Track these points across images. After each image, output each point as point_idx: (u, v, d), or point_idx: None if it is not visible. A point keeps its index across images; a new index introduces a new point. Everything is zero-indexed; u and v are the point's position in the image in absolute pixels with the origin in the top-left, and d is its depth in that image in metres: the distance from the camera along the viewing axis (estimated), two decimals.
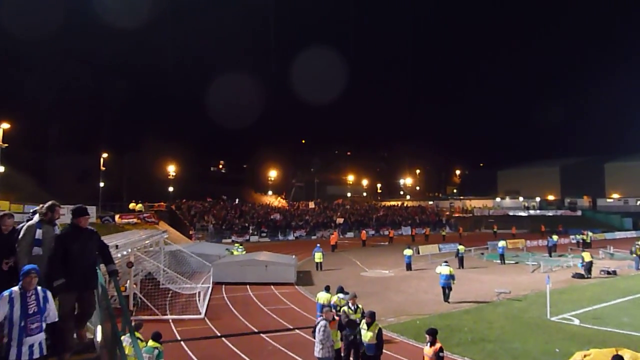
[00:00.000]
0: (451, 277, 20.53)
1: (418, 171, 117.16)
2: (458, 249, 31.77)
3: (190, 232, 49.40)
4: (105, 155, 54.13)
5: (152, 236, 23.47)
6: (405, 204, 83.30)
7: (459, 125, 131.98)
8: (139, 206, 49.32)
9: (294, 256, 28.99)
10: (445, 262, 21.69)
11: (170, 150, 69.49)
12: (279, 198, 73.51)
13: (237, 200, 65.43)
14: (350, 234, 60.17)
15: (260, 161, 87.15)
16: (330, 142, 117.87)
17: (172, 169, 63.24)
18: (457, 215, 76.81)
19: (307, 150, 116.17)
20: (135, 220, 43.82)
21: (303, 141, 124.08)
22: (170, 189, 62.82)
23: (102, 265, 7.22)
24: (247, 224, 55.57)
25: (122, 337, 7.05)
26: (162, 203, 56.21)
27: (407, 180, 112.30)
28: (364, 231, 51.71)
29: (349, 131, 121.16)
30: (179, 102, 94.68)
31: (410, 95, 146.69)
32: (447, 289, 20.46)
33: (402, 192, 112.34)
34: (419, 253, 36.42)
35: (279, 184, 76.88)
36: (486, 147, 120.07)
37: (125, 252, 18.25)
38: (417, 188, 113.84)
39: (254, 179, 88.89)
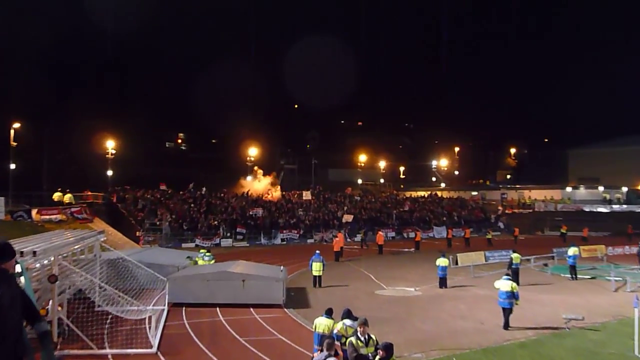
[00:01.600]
0: (513, 295, 20.80)
1: (457, 149, 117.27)
2: (512, 259, 31.88)
3: (138, 234, 49.46)
4: (17, 125, 53.98)
5: (83, 239, 23.44)
6: (438, 195, 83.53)
7: (515, 86, 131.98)
8: (67, 197, 49.30)
9: (282, 267, 29.08)
10: (507, 275, 21.84)
11: (109, 119, 69.42)
12: (268, 182, 73.57)
13: (203, 189, 65.53)
14: (360, 237, 60.35)
15: (235, 134, 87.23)
16: (333, 108, 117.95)
17: (111, 145, 63.25)
18: (510, 211, 77.11)
19: (301, 119, 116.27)
20: (59, 216, 43.81)
21: (296, 106, 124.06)
22: (109, 172, 62.83)
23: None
24: (217, 223, 55.68)
25: None
26: (98, 193, 56.28)
27: (441, 162, 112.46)
28: (380, 233, 51.84)
29: (359, 93, 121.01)
30: (121, 55, 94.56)
31: (446, 40, 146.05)
32: (507, 311, 20.69)
33: (434, 179, 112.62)
34: (457, 264, 36.49)
35: (261, 166, 76.85)
36: (553, 117, 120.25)
37: (45, 262, 18.25)
38: (456, 173, 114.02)
39: (227, 158, 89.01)
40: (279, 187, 74.30)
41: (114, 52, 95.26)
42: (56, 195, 49.46)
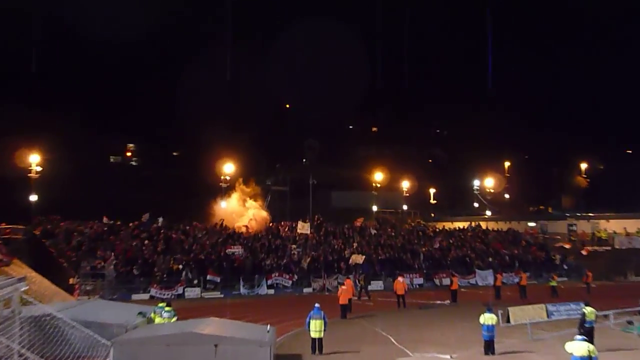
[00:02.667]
0: None
1: (508, 164, 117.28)
2: (584, 314, 31.74)
3: (72, 281, 49.32)
4: None
5: None
6: (483, 227, 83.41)
7: (587, 79, 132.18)
8: None
9: (269, 327, 28.97)
10: (582, 336, 21.58)
11: (33, 126, 69.37)
12: (252, 207, 73.61)
13: (160, 219, 65.47)
14: (376, 284, 60.12)
15: (204, 145, 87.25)
16: (339, 109, 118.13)
17: (35, 161, 63.19)
18: (587, 251, 76.94)
19: (295, 125, 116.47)
20: None
21: (288, 106, 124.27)
22: (33, 197, 62.67)
23: None
24: (180, 266, 55.57)
25: None
26: (17, 225, 56.16)
27: (486, 182, 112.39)
28: (399, 278, 51.53)
29: (374, 88, 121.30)
30: (49, 43, 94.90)
31: (491, 17, 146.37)
32: None
33: (476, 205, 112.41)
34: (508, 321, 36.34)
35: (240, 189, 76.84)
36: (638, 122, 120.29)
37: None
38: (506, 197, 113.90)
39: (193, 178, 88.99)
40: (265, 214, 74.32)
41: (40, 39, 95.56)
42: None
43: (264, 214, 75.85)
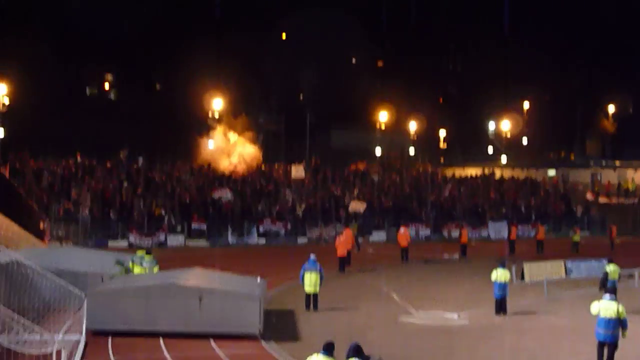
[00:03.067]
0: (621, 323, 20.28)
1: (527, 105, 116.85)
2: (606, 272, 31.86)
3: (42, 226, 49.45)
4: None
5: None
6: (497, 175, 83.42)
7: (617, 10, 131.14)
8: None
9: (259, 279, 29.10)
10: (610, 293, 20.93)
11: None
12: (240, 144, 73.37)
13: (140, 158, 65.41)
14: (379, 235, 60.40)
15: (189, 76, 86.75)
16: (339, 38, 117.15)
17: (1, 92, 62.87)
18: (605, 200, 77.18)
19: (290, 56, 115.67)
20: None
21: (284, 36, 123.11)
22: (0, 132, 62.61)
23: None
24: (162, 211, 55.70)
25: None
26: None
27: (502, 125, 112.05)
28: (402, 230, 51.54)
29: (379, 15, 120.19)
30: None
31: None
32: (610, 348, 20.34)
33: (491, 149, 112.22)
34: (522, 278, 36.54)
35: (229, 125, 76.40)
36: None
37: None
38: (524, 140, 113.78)
39: (177, 112, 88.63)
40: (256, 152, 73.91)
41: None
42: None
43: (253, 151, 75.34)
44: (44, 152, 61.73)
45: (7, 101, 61.89)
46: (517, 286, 34.14)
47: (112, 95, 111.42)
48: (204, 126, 75.01)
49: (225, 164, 69.23)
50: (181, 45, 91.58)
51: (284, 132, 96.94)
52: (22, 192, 53.48)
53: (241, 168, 69.65)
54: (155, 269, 30.60)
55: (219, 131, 73.92)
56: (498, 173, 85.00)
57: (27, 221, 48.68)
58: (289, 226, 58.70)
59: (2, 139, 61.84)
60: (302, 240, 58.02)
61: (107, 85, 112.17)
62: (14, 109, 63.35)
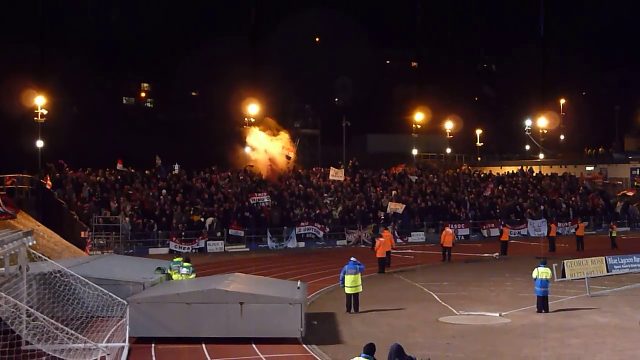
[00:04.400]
0: None
1: (563, 102, 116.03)
2: None
3: (84, 235, 49.74)
4: None
5: (2, 244, 23.66)
6: (535, 172, 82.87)
7: None
8: None
9: (299, 283, 29.07)
10: None
11: (38, 64, 69.62)
12: (285, 148, 73.19)
13: (176, 166, 65.62)
14: (418, 235, 60.22)
15: (225, 84, 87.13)
16: (374, 41, 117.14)
17: (41, 103, 63.29)
18: (633, 193, 76.62)
19: (325, 60, 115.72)
20: None
21: (317, 39, 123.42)
22: (39, 144, 63.06)
23: None
24: (201, 217, 55.86)
25: None
26: (23, 175, 56.41)
27: (539, 122, 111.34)
28: (448, 229, 51.55)
29: (414, 16, 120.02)
30: None
31: None
32: None
33: (528, 147, 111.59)
34: (564, 276, 36.27)
35: (266, 130, 76.43)
36: None
37: None
38: (562, 138, 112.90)
39: (214, 120, 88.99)
40: (292, 152, 73.75)
41: None
42: None
43: (291, 156, 75.09)
44: (83, 162, 62.03)
45: (45, 112, 62.48)
46: (558, 284, 33.92)
47: (148, 104, 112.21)
48: (241, 132, 75.09)
49: (262, 169, 69.26)
50: (217, 53, 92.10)
51: (320, 136, 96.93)
52: (63, 202, 53.90)
53: (278, 173, 69.67)
54: (193, 276, 30.69)
55: (256, 137, 73.99)
56: (536, 170, 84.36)
57: (68, 231, 49.13)
58: (327, 229, 58.65)
59: (41, 149, 62.40)
60: (341, 242, 57.97)
61: (143, 95, 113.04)
62: (52, 120, 63.98)
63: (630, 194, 76.93)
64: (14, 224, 43.36)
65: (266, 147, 71.82)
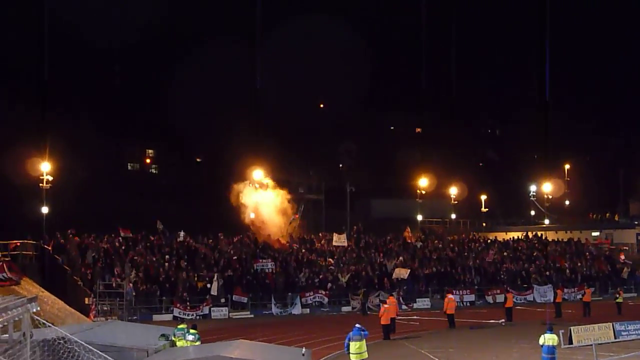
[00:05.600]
0: None
1: (568, 168, 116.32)
2: None
3: (88, 301, 49.67)
4: None
5: (6, 310, 23.66)
6: (540, 236, 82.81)
7: None
8: None
9: (304, 350, 28.98)
10: None
11: (43, 130, 69.94)
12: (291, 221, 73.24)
13: (181, 232, 65.61)
14: (423, 302, 60.06)
15: (230, 149, 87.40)
16: (378, 107, 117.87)
17: (46, 170, 63.50)
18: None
19: (329, 126, 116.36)
20: None
21: (322, 105, 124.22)
22: (44, 209, 63.18)
23: None
24: (206, 282, 55.78)
25: None
26: (27, 240, 56.52)
27: (544, 187, 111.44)
28: (450, 296, 51.48)
29: (416, 81, 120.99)
30: (59, 39, 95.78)
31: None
32: None
33: (533, 212, 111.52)
34: (571, 342, 36.12)
35: (269, 195, 76.51)
36: None
37: None
38: (567, 203, 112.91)
39: (218, 185, 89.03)
40: (296, 217, 73.84)
41: (49, 41, 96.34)
42: None
43: (294, 221, 75.15)
44: (87, 228, 62.07)
45: (50, 178, 62.67)
46: (565, 350, 33.76)
47: (153, 170, 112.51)
48: (245, 197, 75.14)
49: (266, 235, 69.27)
50: (221, 119, 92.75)
51: (324, 202, 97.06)
52: (67, 269, 53.95)
53: (282, 239, 69.69)
54: (197, 343, 30.63)
55: (259, 202, 74.09)
56: (542, 235, 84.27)
57: (72, 297, 49.17)
58: (331, 293, 58.56)
59: (46, 215, 62.49)
60: (346, 309, 57.82)
61: (148, 161, 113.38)
62: (57, 186, 64.12)
63: (637, 258, 76.73)
64: (18, 289, 43.40)
65: (275, 216, 72.05)
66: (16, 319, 23.64)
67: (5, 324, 22.85)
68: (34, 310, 25.22)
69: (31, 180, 63.90)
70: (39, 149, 65.34)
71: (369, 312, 55.22)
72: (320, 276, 60.40)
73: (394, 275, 61.80)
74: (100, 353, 24.55)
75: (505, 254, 72.29)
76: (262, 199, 72.89)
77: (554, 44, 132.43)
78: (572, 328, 37.05)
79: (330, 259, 64.47)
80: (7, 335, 23.49)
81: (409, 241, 74.07)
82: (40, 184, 62.17)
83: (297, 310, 56.57)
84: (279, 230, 70.73)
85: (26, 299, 25.80)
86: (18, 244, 54.46)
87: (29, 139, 69.43)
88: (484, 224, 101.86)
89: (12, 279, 46.24)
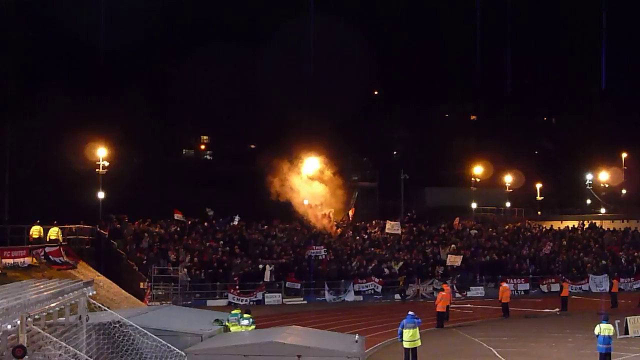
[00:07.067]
0: None
1: (625, 156, 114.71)
2: None
3: (142, 286, 50.10)
4: None
5: (63, 293, 23.85)
6: (597, 226, 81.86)
7: None
8: (53, 231, 50.09)
9: (357, 336, 28.88)
10: None
11: (99, 118, 70.59)
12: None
13: (236, 218, 65.83)
14: (476, 290, 59.75)
15: (284, 136, 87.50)
16: (433, 95, 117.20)
17: (102, 155, 64.00)
18: None
19: (383, 113, 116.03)
20: (29, 260, 44.61)
21: (376, 92, 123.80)
22: (101, 195, 63.80)
23: None
24: (260, 267, 55.99)
25: None
26: (84, 225, 57.07)
27: (600, 176, 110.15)
28: (505, 285, 51.19)
29: (472, 69, 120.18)
30: (112, 29, 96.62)
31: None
32: None
33: (589, 201, 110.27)
34: (627, 333, 35.71)
35: (324, 183, 76.35)
36: None
37: (8, 327, 18.60)
38: (624, 192, 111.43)
39: (273, 171, 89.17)
40: (351, 211, 73.83)
41: (106, 28, 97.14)
42: (35, 230, 49.96)
43: (349, 209, 75.11)
44: (142, 213, 62.53)
45: (106, 164, 63.18)
46: (621, 340, 33.37)
47: (207, 157, 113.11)
48: (298, 184, 75.12)
49: (320, 222, 69.25)
50: (276, 107, 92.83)
51: (377, 190, 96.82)
52: (123, 253, 54.39)
53: (335, 226, 69.65)
54: (253, 327, 30.66)
55: (313, 189, 74.04)
56: (598, 224, 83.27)
57: (127, 281, 49.57)
58: (384, 282, 58.44)
59: (102, 201, 63.04)
60: (398, 297, 57.68)
61: (202, 147, 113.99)
62: (113, 172, 64.65)
63: None
64: (74, 274, 43.86)
65: (330, 204, 72.03)
66: (72, 302, 23.85)
67: (62, 307, 23.06)
68: (90, 294, 25.45)
69: (88, 166, 64.48)
70: (95, 135, 65.91)
71: (422, 300, 55.12)
72: (373, 264, 60.29)
73: (447, 262, 61.54)
74: (154, 337, 24.69)
75: (561, 243, 71.51)
76: (316, 187, 72.87)
77: (611, 32, 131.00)
78: (628, 318, 36.66)
79: (383, 247, 64.36)
80: (64, 318, 23.67)
81: (462, 227, 73.76)
82: (97, 170, 62.72)
83: (350, 297, 56.58)
84: (333, 217, 70.68)
85: (82, 282, 26.04)
86: (74, 230, 55.01)
87: (84, 126, 70.04)
88: (539, 213, 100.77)
89: (69, 262, 46.76)
